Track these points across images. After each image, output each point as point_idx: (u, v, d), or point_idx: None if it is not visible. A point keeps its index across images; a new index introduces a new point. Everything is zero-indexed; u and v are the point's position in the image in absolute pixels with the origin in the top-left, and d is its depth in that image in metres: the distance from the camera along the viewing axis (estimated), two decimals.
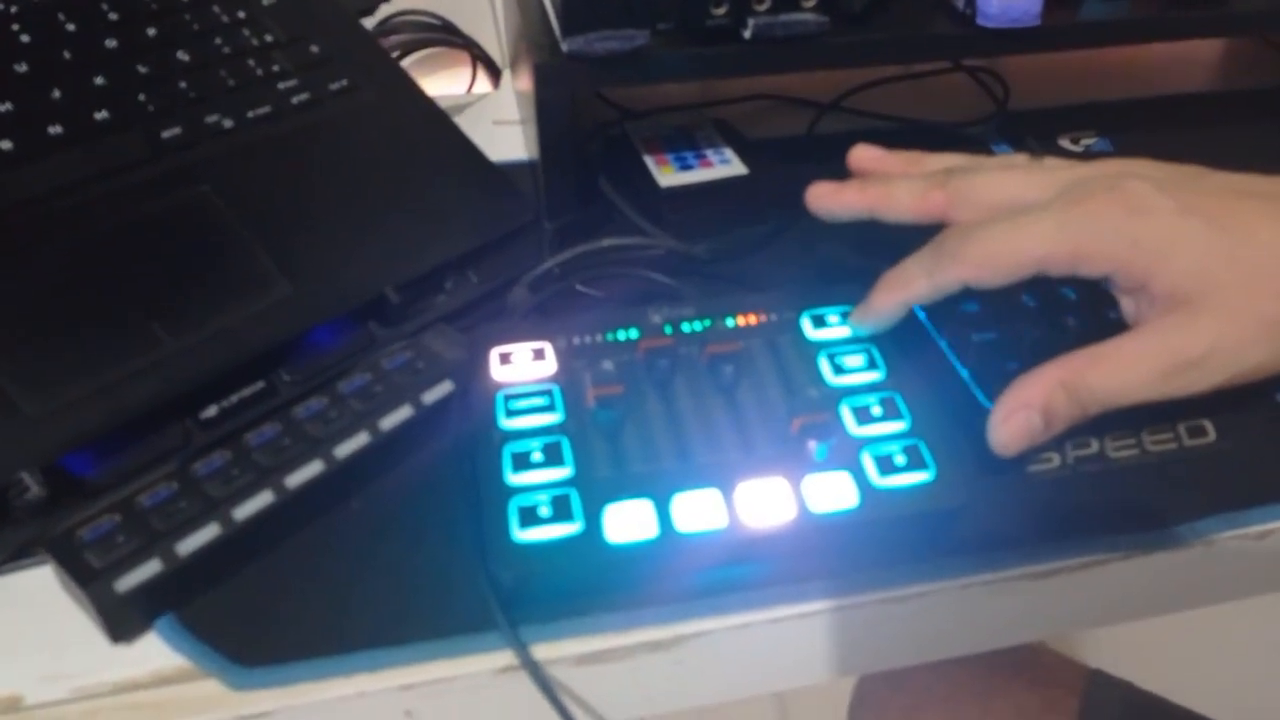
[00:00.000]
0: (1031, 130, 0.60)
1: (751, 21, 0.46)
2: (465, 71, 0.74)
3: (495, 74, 0.75)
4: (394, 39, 0.70)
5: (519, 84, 0.59)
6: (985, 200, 0.38)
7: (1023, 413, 0.34)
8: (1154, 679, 0.59)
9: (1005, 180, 0.38)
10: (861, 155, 0.43)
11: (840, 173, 0.45)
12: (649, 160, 0.54)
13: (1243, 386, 0.35)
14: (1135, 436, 0.40)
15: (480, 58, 0.74)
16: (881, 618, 0.35)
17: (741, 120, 0.59)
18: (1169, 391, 0.34)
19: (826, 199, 0.42)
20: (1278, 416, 0.41)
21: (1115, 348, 0.34)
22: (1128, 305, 0.36)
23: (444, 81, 0.74)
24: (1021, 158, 0.41)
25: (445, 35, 0.72)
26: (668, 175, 0.53)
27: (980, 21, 0.49)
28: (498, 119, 0.64)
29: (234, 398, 0.40)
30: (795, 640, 0.35)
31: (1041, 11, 0.49)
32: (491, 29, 0.74)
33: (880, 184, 0.41)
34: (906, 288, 0.38)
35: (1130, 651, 0.95)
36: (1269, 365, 0.34)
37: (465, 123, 0.52)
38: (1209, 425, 0.40)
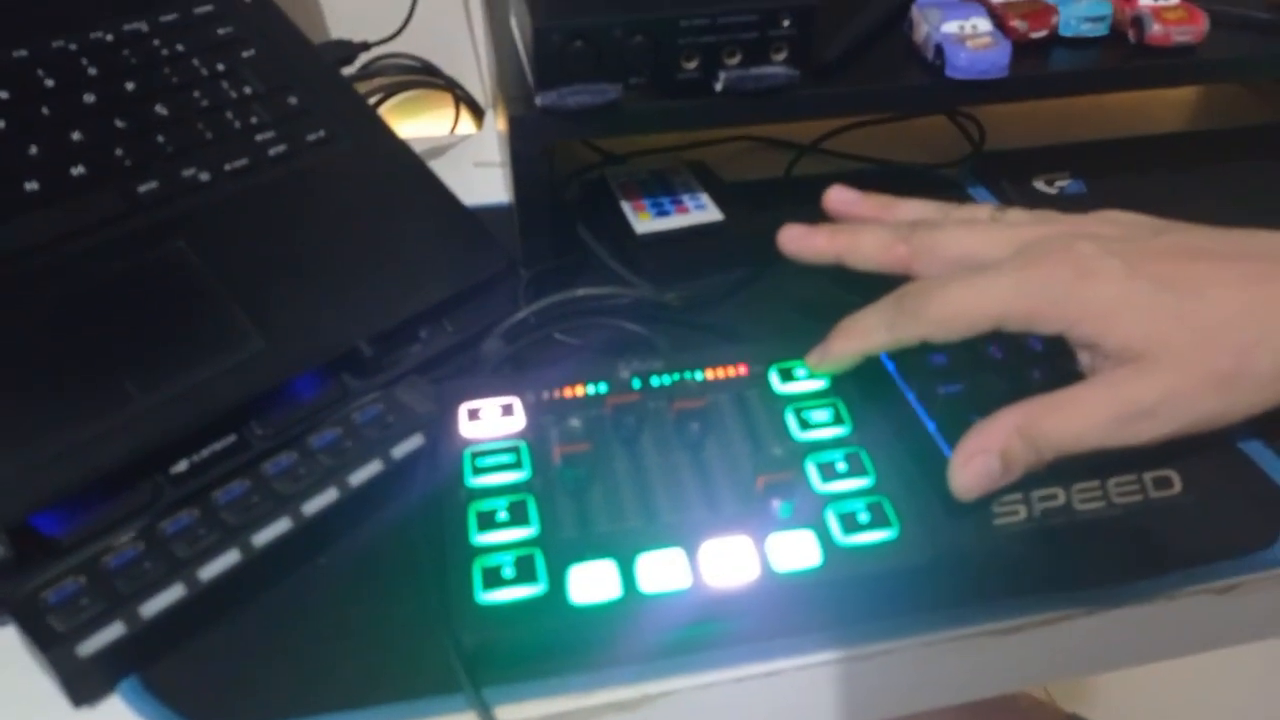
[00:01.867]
0: (1007, 171, 0.61)
1: (723, 75, 0.46)
2: (448, 112, 0.75)
3: (479, 114, 0.75)
4: (376, 82, 0.71)
5: (500, 125, 0.60)
6: (946, 255, 0.39)
7: (981, 458, 0.35)
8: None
9: (965, 237, 0.39)
10: (836, 198, 0.45)
11: (816, 216, 0.46)
12: (626, 206, 0.55)
13: (1197, 436, 0.36)
14: (1101, 488, 0.40)
15: (463, 98, 0.74)
16: (846, 675, 0.35)
17: (721, 161, 0.59)
18: (1121, 439, 0.35)
19: (797, 242, 0.44)
20: (1242, 468, 0.41)
21: (1070, 396, 0.35)
22: (1084, 358, 0.37)
23: (427, 123, 0.75)
24: (986, 210, 0.42)
25: (427, 77, 0.73)
26: (644, 221, 0.54)
27: (949, 73, 0.49)
28: (479, 160, 0.64)
29: (205, 452, 0.40)
30: (761, 699, 0.35)
31: (1009, 63, 0.49)
32: (474, 68, 0.75)
33: (848, 233, 0.42)
34: (865, 337, 0.39)
35: (1109, 695, 0.95)
36: (1218, 417, 0.35)
37: (447, 164, 0.52)
38: (1175, 477, 0.41)
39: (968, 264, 0.38)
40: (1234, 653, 0.42)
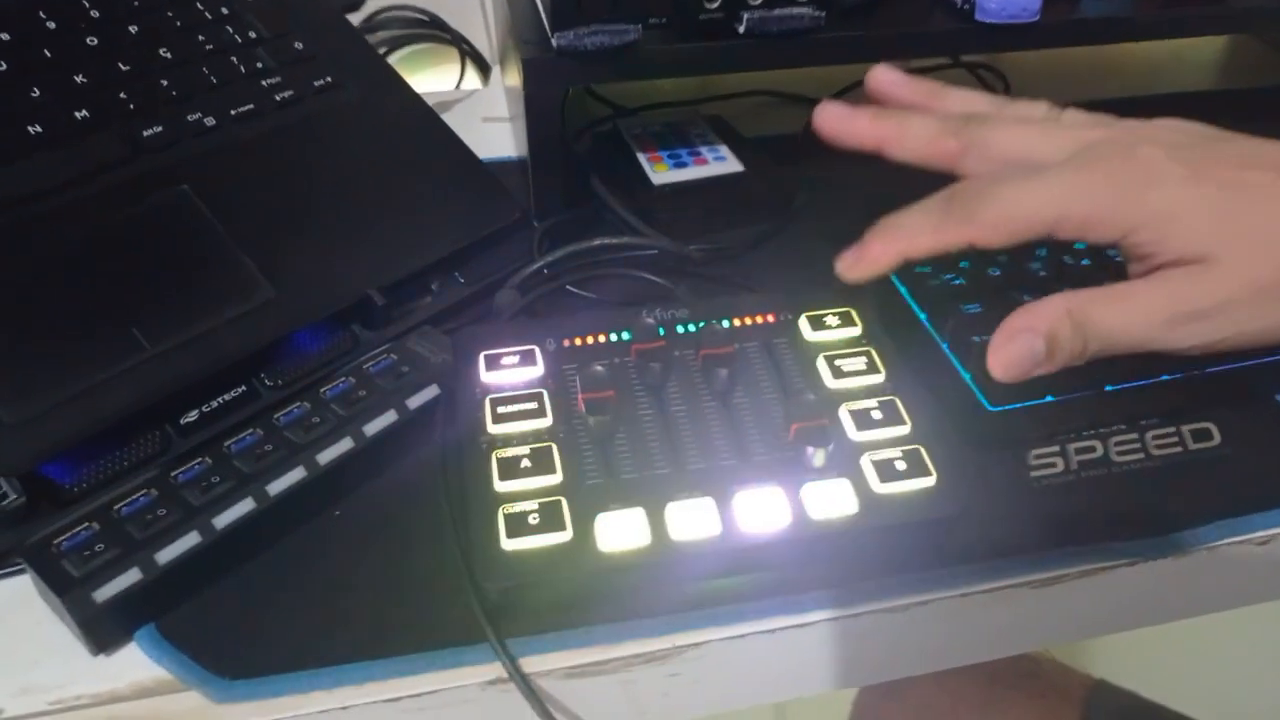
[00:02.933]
0: None
1: (746, 16, 0.45)
2: (454, 68, 0.73)
3: (485, 70, 0.74)
4: (381, 35, 0.69)
5: (508, 80, 0.58)
6: (999, 153, 0.36)
7: (1026, 335, 0.33)
8: (1159, 688, 0.58)
9: (1021, 135, 0.36)
10: (881, 78, 0.41)
11: (838, 169, 0.44)
12: (642, 157, 0.53)
13: (1225, 377, 0.35)
14: (1140, 440, 0.39)
15: (469, 54, 0.73)
16: (881, 628, 0.35)
17: (737, 117, 0.58)
18: (1170, 341, 0.33)
19: (837, 123, 0.39)
20: None
21: (1126, 289, 0.33)
22: (1135, 270, 0.35)
23: (432, 78, 0.73)
24: (1042, 107, 0.39)
25: (433, 31, 0.71)
26: (661, 173, 0.53)
27: (979, 17, 0.48)
28: (487, 116, 0.63)
29: (214, 403, 0.39)
30: (793, 651, 0.34)
31: (1041, 8, 0.48)
32: (481, 24, 0.73)
33: (894, 119, 0.39)
34: (909, 239, 0.36)
35: (1135, 660, 0.95)
36: (1270, 331, 0.33)
37: (453, 120, 0.51)
38: (1214, 429, 0.40)
39: (1022, 164, 0.35)
40: (1258, 618, 0.41)
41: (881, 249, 0.36)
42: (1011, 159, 0.36)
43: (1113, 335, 0.33)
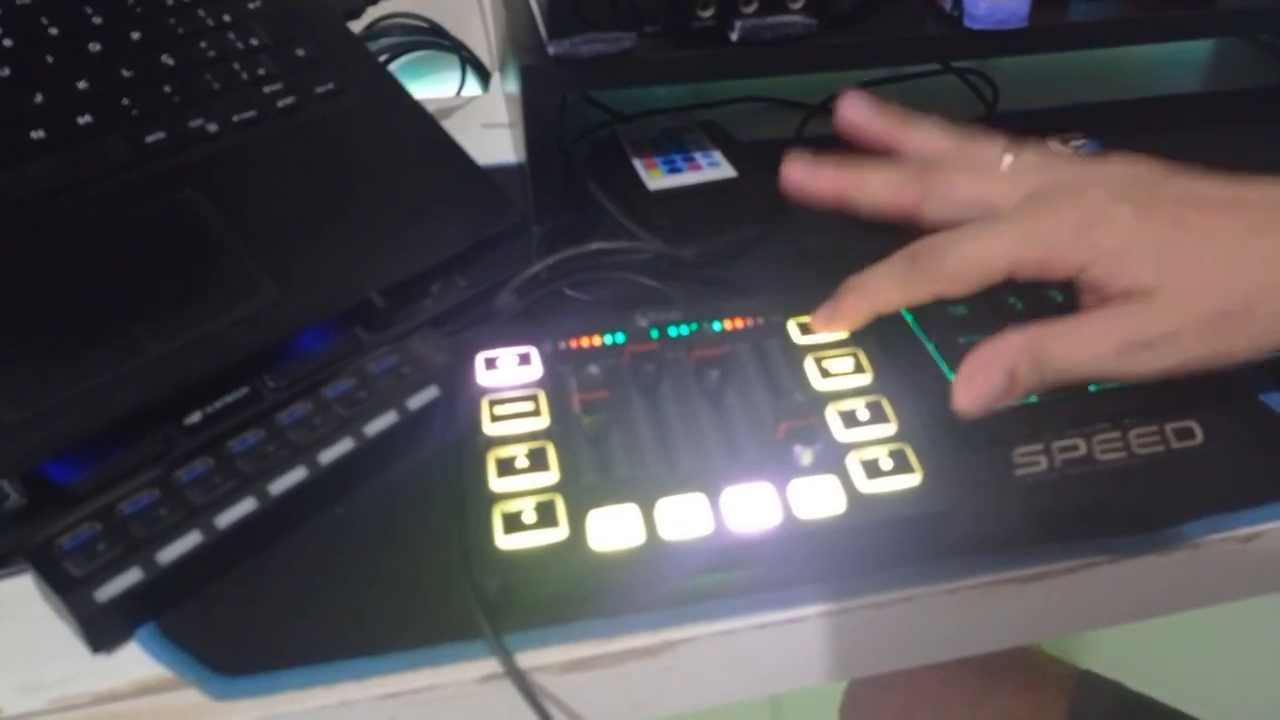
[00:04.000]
0: (1020, 133, 0.60)
1: (738, 24, 0.46)
2: (454, 74, 0.74)
3: (485, 76, 0.75)
4: (382, 42, 0.70)
5: (508, 87, 0.59)
6: (956, 199, 0.39)
7: (985, 372, 0.35)
8: (1146, 679, 0.59)
9: (977, 183, 0.39)
10: (850, 113, 0.43)
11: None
12: (637, 163, 0.54)
13: (1216, 386, 0.37)
14: (1123, 438, 0.40)
15: (469, 60, 0.73)
16: (869, 623, 0.35)
17: (731, 122, 0.58)
18: (1121, 368, 0.35)
19: (802, 179, 0.42)
20: (1263, 418, 0.41)
21: (1077, 323, 0.35)
22: (1089, 302, 0.37)
23: (433, 84, 0.74)
24: (999, 145, 0.41)
25: (434, 38, 0.72)
26: (656, 178, 0.53)
27: (968, 23, 0.49)
28: (487, 122, 0.64)
29: (217, 403, 0.39)
30: (783, 646, 0.35)
31: (1029, 13, 0.48)
32: (480, 32, 0.74)
33: (854, 174, 0.41)
34: (878, 295, 0.39)
35: (1123, 651, 0.95)
36: (1216, 356, 0.35)
37: (454, 126, 0.52)
38: (1196, 427, 0.40)
39: (978, 209, 0.38)
40: (1245, 612, 0.42)
41: (852, 306, 0.39)
42: (968, 204, 0.38)
43: (1067, 367, 0.35)
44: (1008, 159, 0.40)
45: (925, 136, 0.42)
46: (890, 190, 0.40)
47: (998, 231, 0.37)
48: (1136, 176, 0.38)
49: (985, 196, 0.38)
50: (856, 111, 0.43)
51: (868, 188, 0.40)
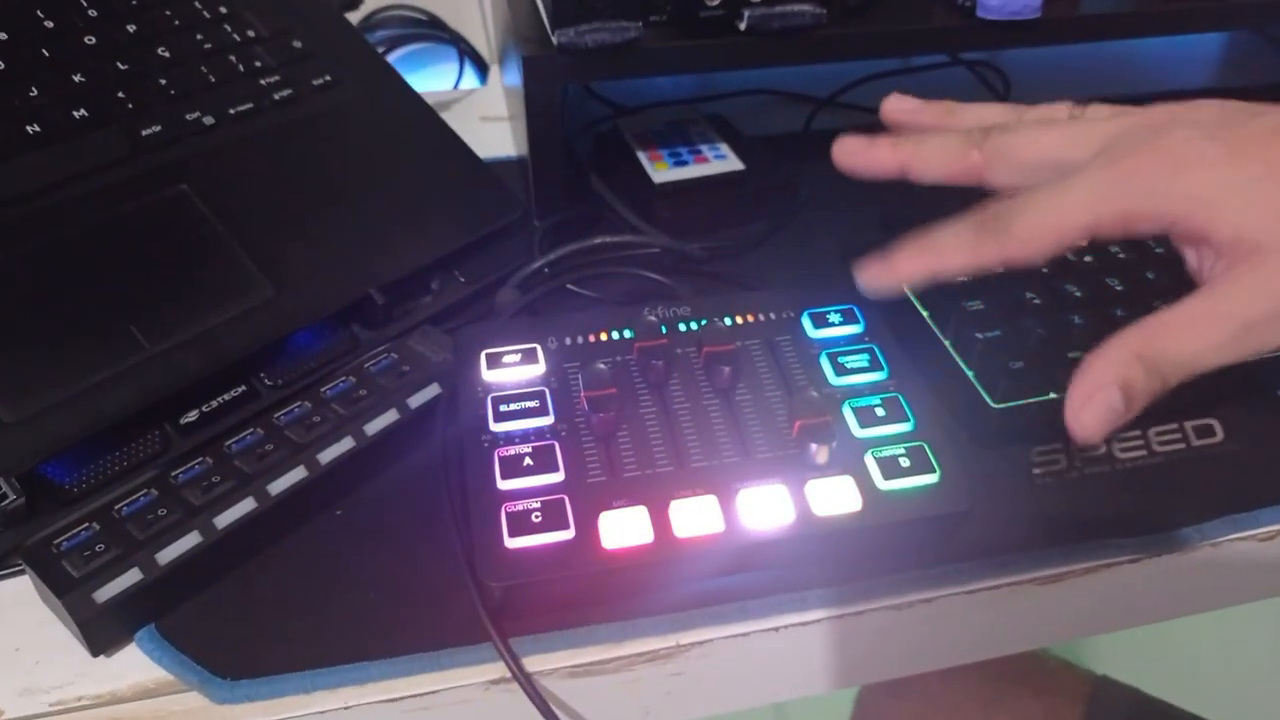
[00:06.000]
0: None
1: (747, 13, 0.45)
2: (452, 67, 0.73)
3: (483, 69, 0.74)
4: (380, 34, 0.69)
5: (507, 79, 0.58)
6: (1023, 159, 0.35)
7: (1101, 395, 0.30)
8: (1162, 684, 0.58)
9: (1044, 137, 0.35)
10: (895, 106, 0.40)
11: (838, 171, 0.44)
12: (642, 156, 0.53)
13: (1227, 372, 0.32)
14: (1142, 437, 0.39)
15: (468, 53, 0.72)
16: (885, 626, 0.34)
17: (737, 116, 0.58)
18: (1247, 350, 0.31)
19: (856, 156, 0.38)
20: None
21: (1186, 311, 0.31)
22: (1191, 258, 0.33)
23: (430, 77, 0.73)
24: (1064, 108, 0.37)
25: (432, 30, 0.71)
26: (662, 171, 0.52)
27: (980, 14, 0.48)
28: (485, 115, 0.63)
29: (215, 402, 0.38)
30: (797, 650, 0.34)
31: (1042, 4, 0.48)
32: (479, 24, 0.73)
33: (913, 142, 0.37)
34: (941, 257, 0.34)
35: (1139, 656, 0.95)
36: None
37: (451, 119, 0.51)
38: (1217, 425, 0.39)
39: (1049, 167, 0.34)
40: (1261, 615, 0.41)
41: (910, 263, 0.35)
42: (1037, 164, 0.35)
43: (1189, 363, 0.31)
44: (1077, 112, 0.36)
45: (980, 111, 0.39)
46: (951, 155, 0.36)
47: (1071, 187, 0.32)
48: (1226, 114, 0.33)
49: (1055, 153, 0.34)
50: (902, 105, 0.40)
51: (929, 155, 0.37)
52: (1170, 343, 0.31)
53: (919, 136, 0.37)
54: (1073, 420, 0.31)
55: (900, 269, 0.35)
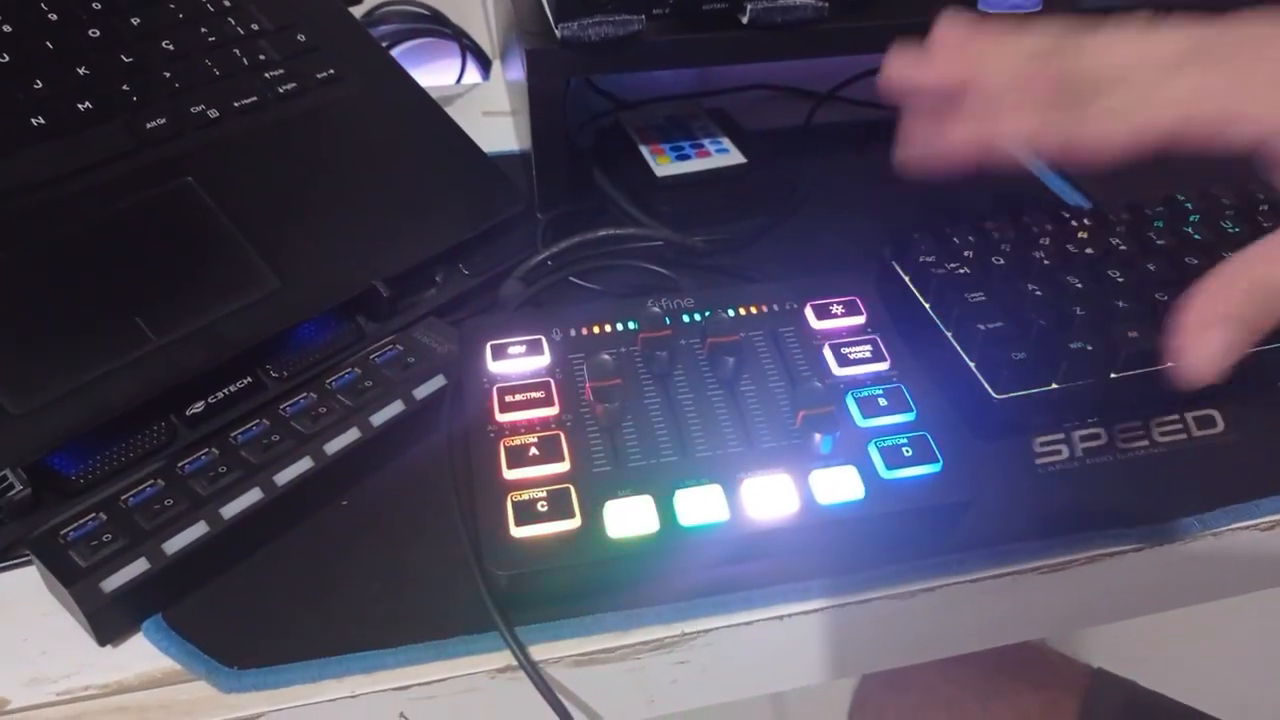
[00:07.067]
0: None
1: (750, 7, 0.45)
2: (454, 62, 0.73)
3: (485, 64, 0.74)
4: (382, 29, 0.69)
5: (510, 74, 0.58)
6: (1104, 64, 0.31)
7: (1218, 328, 0.28)
8: (1160, 677, 0.58)
9: (1124, 44, 0.31)
10: (950, 30, 0.35)
11: (840, 162, 0.44)
12: (644, 150, 0.54)
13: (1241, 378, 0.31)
14: (1144, 427, 0.39)
15: (470, 48, 0.73)
16: (888, 615, 0.35)
17: (738, 111, 0.58)
18: None
19: (908, 70, 0.35)
20: None
21: None
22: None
23: (433, 72, 0.73)
24: (1139, 20, 0.32)
25: (434, 25, 0.71)
26: (664, 165, 0.53)
27: (982, 7, 0.48)
28: (487, 110, 0.63)
29: (220, 394, 0.39)
30: (801, 638, 0.34)
31: None
32: (481, 18, 0.73)
33: (973, 53, 0.33)
34: (1001, 124, 0.31)
35: (1136, 649, 0.95)
36: None
37: (454, 114, 0.51)
38: (1218, 416, 0.40)
39: (1140, 65, 0.30)
40: (1257, 608, 0.41)
41: (966, 134, 0.31)
42: (1125, 66, 0.30)
43: None
44: (1156, 21, 0.32)
45: (1045, 29, 0.33)
46: (1021, 68, 0.32)
47: (1164, 78, 0.29)
48: None
49: (1143, 55, 0.30)
50: (957, 29, 0.35)
51: (992, 66, 0.32)
52: None
53: (983, 47, 0.33)
54: (1185, 353, 0.28)
55: (953, 136, 0.32)
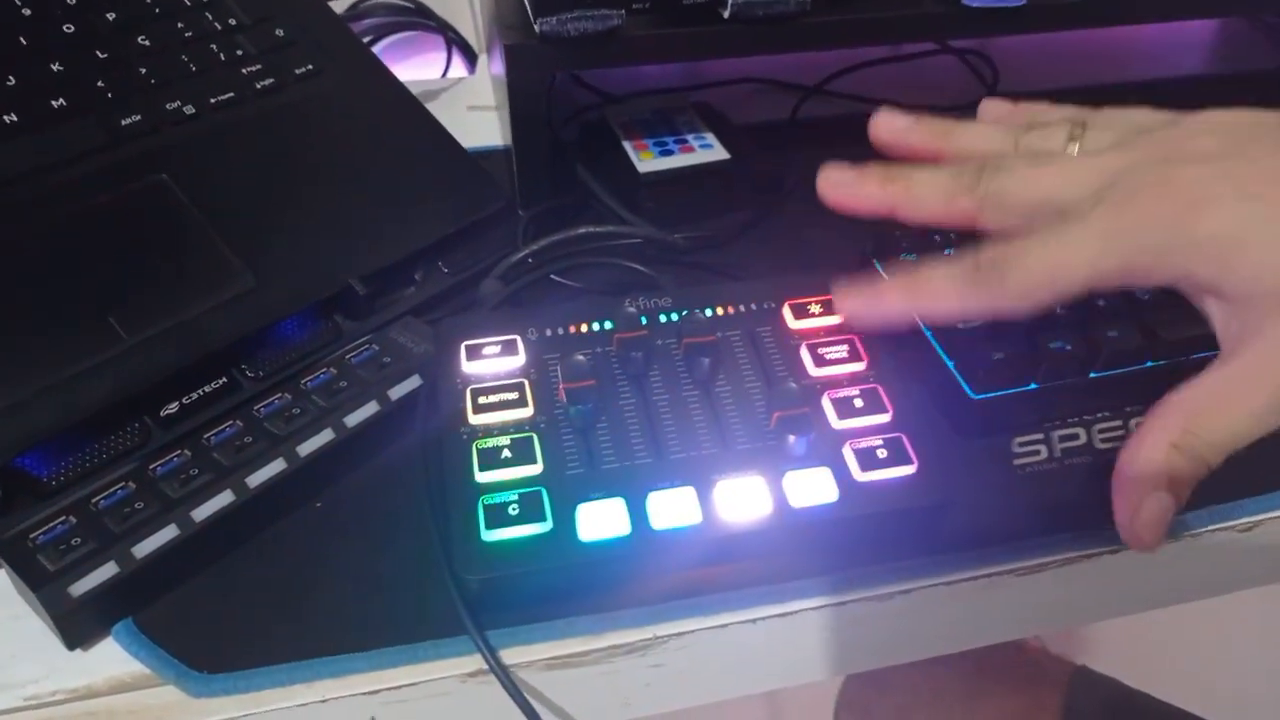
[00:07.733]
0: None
1: (731, 0, 0.44)
2: (440, 56, 0.72)
3: (471, 58, 0.73)
4: (366, 23, 0.68)
5: (493, 68, 0.58)
6: (1020, 202, 0.33)
7: (1151, 501, 0.29)
8: (1142, 674, 0.58)
9: (1040, 178, 0.33)
10: (884, 126, 0.38)
11: (825, 157, 0.43)
12: (628, 145, 0.53)
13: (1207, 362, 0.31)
14: (1123, 426, 0.39)
15: (455, 41, 0.72)
16: (864, 616, 0.34)
17: (724, 105, 0.57)
18: None
19: (842, 190, 0.36)
20: None
21: (1215, 384, 0.29)
22: (1210, 307, 0.31)
23: (418, 66, 0.72)
24: (1062, 132, 0.34)
25: (419, 19, 0.70)
26: (647, 161, 0.52)
27: (967, 1, 0.47)
28: (472, 104, 0.62)
29: (194, 394, 0.38)
30: (776, 641, 0.34)
31: None
32: (467, 12, 0.72)
33: (903, 181, 0.35)
34: (931, 300, 0.33)
35: (1119, 647, 0.95)
36: None
37: (439, 108, 0.51)
38: None
39: (1047, 211, 0.32)
40: (1241, 605, 0.41)
41: (896, 300, 0.34)
42: (1035, 206, 0.32)
43: (1232, 440, 0.29)
44: (1073, 147, 0.34)
45: (973, 135, 0.36)
46: (941, 198, 0.34)
47: (1070, 239, 0.30)
48: (1236, 140, 0.30)
49: (1052, 195, 0.32)
50: (893, 124, 0.37)
51: (917, 197, 0.34)
52: (1205, 424, 0.29)
53: (909, 174, 0.35)
54: (1128, 535, 0.30)
55: (887, 305, 0.34)
